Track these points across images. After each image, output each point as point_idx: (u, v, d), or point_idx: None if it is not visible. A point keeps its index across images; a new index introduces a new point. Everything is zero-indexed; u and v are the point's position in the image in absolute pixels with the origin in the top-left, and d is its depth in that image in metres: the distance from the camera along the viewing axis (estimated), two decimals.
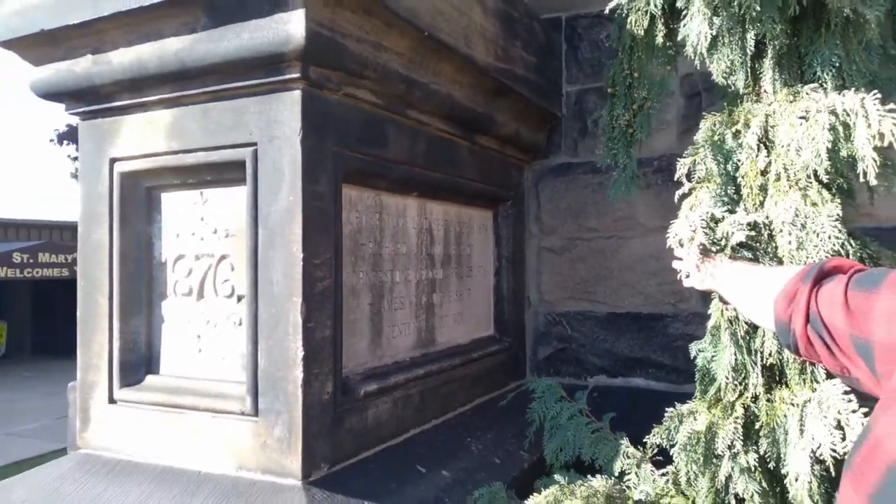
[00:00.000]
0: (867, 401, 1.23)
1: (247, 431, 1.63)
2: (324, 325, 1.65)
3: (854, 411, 1.26)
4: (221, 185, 1.77)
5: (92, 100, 1.88)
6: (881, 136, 1.17)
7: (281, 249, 1.60)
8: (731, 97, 1.64)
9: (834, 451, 1.25)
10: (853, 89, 1.43)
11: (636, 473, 1.73)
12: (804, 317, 1.08)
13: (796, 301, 1.10)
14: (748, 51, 1.52)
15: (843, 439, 1.27)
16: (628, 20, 1.71)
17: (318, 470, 1.62)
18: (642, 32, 1.69)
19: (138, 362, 1.85)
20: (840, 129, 1.27)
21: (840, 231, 1.27)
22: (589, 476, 1.63)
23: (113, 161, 1.88)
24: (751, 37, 1.50)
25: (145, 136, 1.83)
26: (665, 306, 2.75)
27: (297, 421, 1.57)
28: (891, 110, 1.19)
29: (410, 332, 2.19)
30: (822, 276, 1.09)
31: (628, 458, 1.77)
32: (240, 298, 1.72)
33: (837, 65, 1.48)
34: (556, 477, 1.60)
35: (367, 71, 1.72)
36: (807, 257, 1.32)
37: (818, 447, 1.28)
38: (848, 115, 1.24)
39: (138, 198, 1.88)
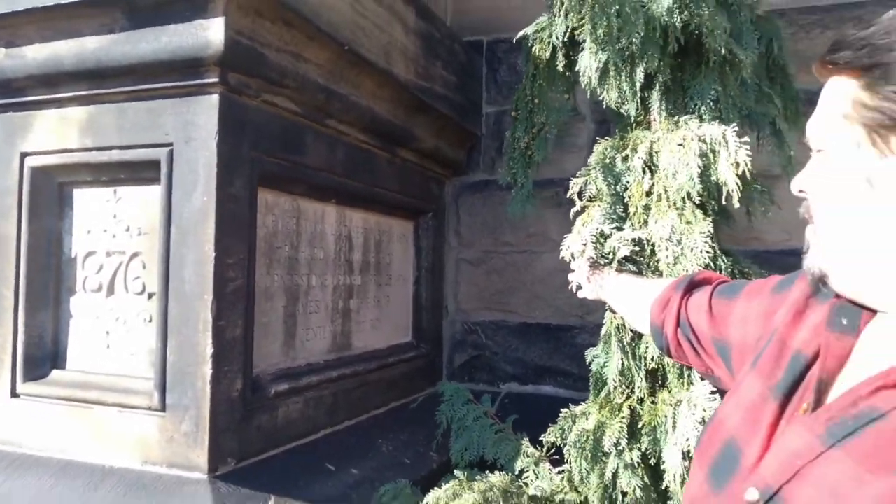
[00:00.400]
0: None
1: (153, 426, 1.64)
2: (235, 324, 1.68)
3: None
4: (135, 183, 1.79)
5: (4, 93, 1.87)
6: (737, 164, 1.32)
7: (193, 248, 1.63)
8: (624, 124, 1.79)
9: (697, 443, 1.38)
10: (728, 122, 1.60)
11: (534, 471, 1.84)
12: (675, 321, 1.20)
13: (669, 307, 1.22)
14: (637, 83, 1.67)
15: None
16: (532, 49, 1.84)
17: (225, 465, 1.65)
18: (544, 62, 1.82)
19: (43, 357, 1.83)
20: (710, 155, 1.42)
21: (711, 247, 1.42)
22: (488, 473, 1.72)
23: (24, 155, 1.87)
24: (640, 70, 1.65)
25: (59, 131, 1.83)
26: (572, 318, 2.90)
27: (204, 416, 1.60)
28: (745, 142, 1.34)
29: (326, 336, 2.24)
30: (692, 286, 1.22)
31: (528, 457, 1.88)
32: (150, 296, 1.74)
33: (715, 98, 1.64)
34: (457, 472, 1.68)
35: (286, 80, 1.78)
36: (683, 270, 1.46)
37: (686, 442, 1.41)
38: (714, 143, 1.39)
39: (49, 193, 1.87)
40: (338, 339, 2.31)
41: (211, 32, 1.55)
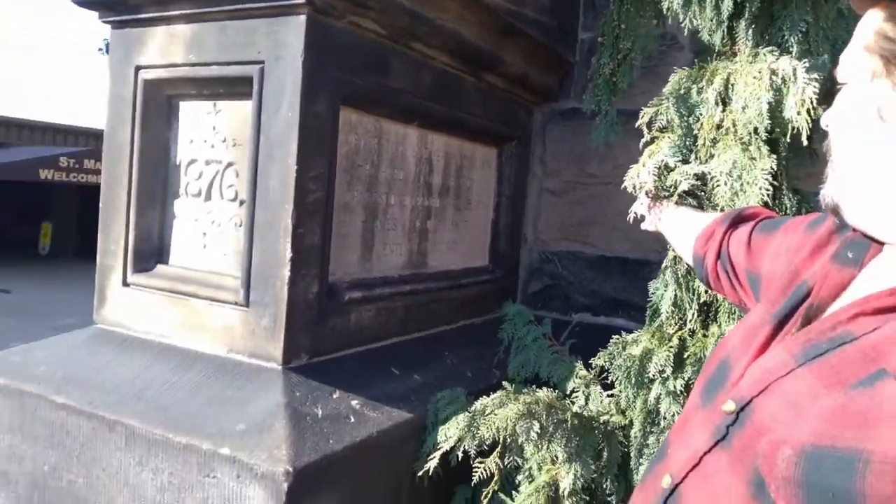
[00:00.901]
0: None
1: (238, 319, 1.84)
2: (313, 232, 1.83)
3: None
4: (233, 98, 1.93)
5: (121, 10, 2.05)
6: (804, 101, 1.28)
7: (278, 161, 1.77)
8: (709, 54, 1.74)
9: None
10: (818, 55, 1.53)
11: (584, 392, 1.92)
12: (716, 253, 1.23)
13: (713, 239, 1.25)
14: (724, 11, 1.62)
15: None
16: None
17: (299, 359, 1.84)
18: None
19: (150, 252, 2.07)
20: (782, 90, 1.38)
21: (771, 184, 1.39)
22: (536, 388, 1.82)
23: (138, 69, 2.06)
24: None
25: (168, 47, 1.99)
26: (652, 253, 2.88)
27: (281, 313, 1.77)
28: (814, 78, 1.29)
29: (402, 253, 2.37)
30: (739, 220, 1.24)
31: (579, 378, 1.96)
32: (242, 203, 1.91)
33: (804, 30, 1.56)
34: (504, 384, 1.79)
35: (370, 2, 1.85)
36: (741, 205, 1.45)
37: None
38: (784, 78, 1.35)
39: (159, 104, 2.06)
40: (413, 256, 2.43)
41: None
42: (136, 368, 1.89)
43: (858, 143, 0.75)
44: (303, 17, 1.73)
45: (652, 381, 1.64)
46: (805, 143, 1.37)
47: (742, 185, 1.43)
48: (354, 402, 1.80)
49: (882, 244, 0.75)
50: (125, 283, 2.06)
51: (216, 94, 1.97)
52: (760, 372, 0.75)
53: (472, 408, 1.75)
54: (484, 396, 1.75)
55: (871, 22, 0.73)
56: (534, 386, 1.83)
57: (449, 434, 1.76)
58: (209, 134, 2.00)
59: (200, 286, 1.92)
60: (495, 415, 1.65)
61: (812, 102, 1.29)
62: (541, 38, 2.68)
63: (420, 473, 1.76)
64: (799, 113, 1.32)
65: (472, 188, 2.79)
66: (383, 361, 2.09)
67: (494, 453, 1.70)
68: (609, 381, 1.95)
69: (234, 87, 1.90)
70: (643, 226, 1.63)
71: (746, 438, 0.71)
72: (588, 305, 3.04)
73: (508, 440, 1.65)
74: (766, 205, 1.43)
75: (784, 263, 0.99)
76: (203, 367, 1.83)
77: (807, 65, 1.36)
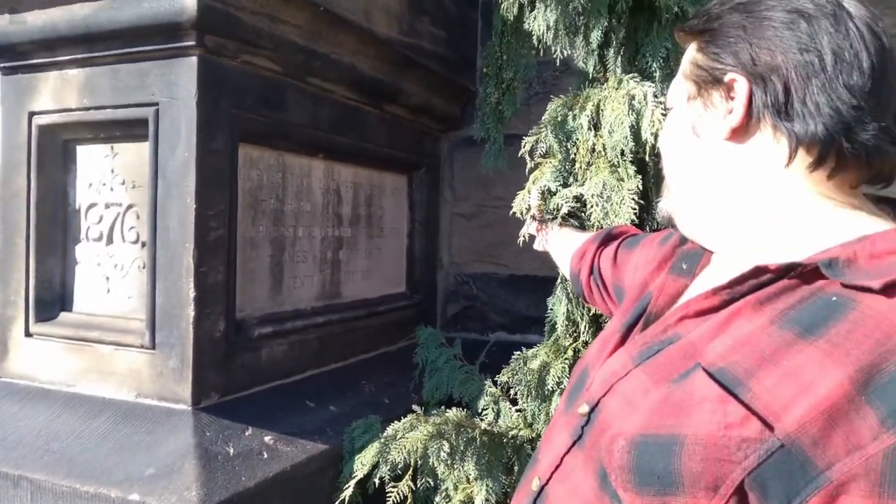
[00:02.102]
0: None
1: (145, 362, 1.83)
2: (216, 269, 1.84)
3: None
4: (129, 140, 1.93)
5: (11, 56, 2.02)
6: (652, 123, 1.41)
7: (177, 200, 1.78)
8: (583, 81, 1.86)
9: None
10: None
11: (493, 409, 1.98)
12: (589, 269, 1.33)
13: (586, 257, 1.34)
14: (592, 41, 1.73)
15: None
16: (501, 6, 1.91)
17: (209, 398, 1.83)
18: (512, 18, 1.89)
19: (53, 300, 2.03)
20: (641, 113, 1.50)
21: (637, 203, 1.51)
22: (443, 408, 1.87)
23: (31, 114, 2.03)
24: (598, 29, 1.70)
25: (61, 92, 1.98)
26: (558, 269, 3.01)
27: (188, 353, 1.77)
28: (661, 101, 1.42)
29: (314, 284, 2.39)
30: (609, 238, 1.34)
31: (489, 396, 2.02)
32: (143, 244, 1.90)
33: (665, 56, 1.70)
34: (415, 407, 1.83)
35: (263, 41, 1.90)
36: (613, 224, 1.55)
37: None
38: (641, 103, 1.47)
39: (55, 149, 2.03)
40: (326, 287, 2.46)
41: None
42: (42, 420, 1.84)
43: (680, 160, 0.85)
44: (194, 59, 1.76)
45: (552, 392, 1.72)
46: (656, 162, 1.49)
47: (612, 205, 1.53)
48: (267, 438, 1.81)
49: (711, 255, 0.85)
50: (28, 334, 2.01)
51: (113, 137, 1.97)
52: (606, 375, 0.82)
53: (384, 433, 1.79)
54: (395, 422, 1.79)
55: (689, 53, 0.83)
56: (443, 407, 1.89)
57: (364, 462, 1.79)
58: (108, 177, 1.99)
59: (105, 331, 1.90)
60: (406, 438, 1.69)
61: (660, 123, 1.41)
62: (440, 69, 2.79)
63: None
64: (652, 134, 1.44)
65: (385, 216, 2.85)
66: (298, 395, 2.11)
67: (406, 476, 1.74)
68: (515, 398, 2.03)
69: (131, 130, 1.90)
70: (534, 246, 1.73)
71: (594, 436, 0.78)
72: (503, 324, 3.13)
73: (420, 462, 1.69)
74: (634, 222, 1.54)
75: (642, 276, 1.09)
76: (111, 413, 1.80)
77: (656, 89, 1.48)
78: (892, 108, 0.70)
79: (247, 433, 1.79)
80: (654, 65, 1.70)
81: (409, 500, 1.74)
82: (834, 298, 0.61)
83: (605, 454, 0.72)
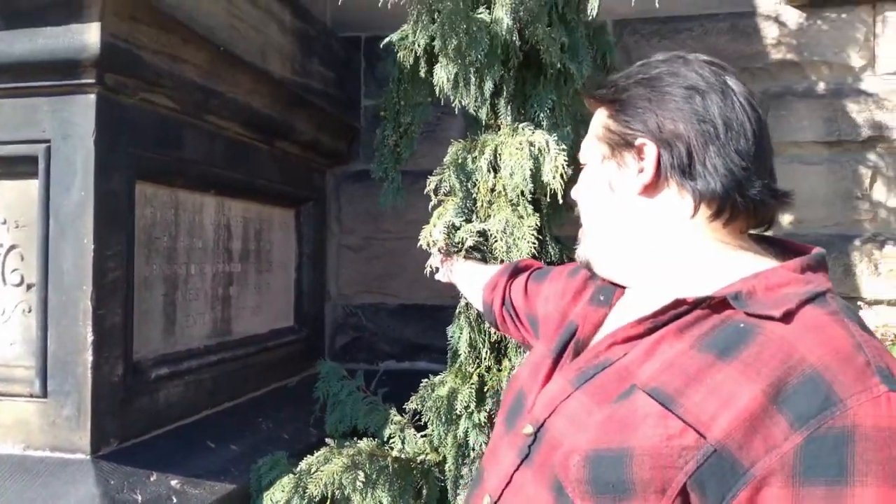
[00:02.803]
0: None
1: (35, 412, 1.72)
2: (114, 312, 1.78)
3: None
4: (12, 177, 1.82)
5: None
6: (556, 168, 1.59)
7: (72, 241, 1.72)
8: (478, 126, 2.02)
9: None
10: (563, 126, 1.87)
11: (399, 436, 2.06)
12: (501, 301, 1.45)
13: (497, 289, 1.47)
14: (486, 91, 1.90)
15: None
16: (398, 55, 2.03)
17: (108, 445, 1.76)
18: (408, 67, 2.02)
19: None
20: (539, 159, 1.68)
21: (537, 238, 1.68)
22: (357, 440, 1.93)
23: None
24: (489, 81, 1.87)
25: None
26: (447, 299, 3.13)
27: (86, 400, 1.70)
28: (563, 149, 1.61)
29: (206, 322, 2.35)
30: (516, 271, 1.47)
31: (394, 424, 2.10)
32: (29, 287, 1.80)
33: (551, 106, 1.90)
34: (328, 441, 1.87)
35: (163, 80, 1.88)
36: (515, 257, 1.71)
37: None
38: (540, 149, 1.65)
39: None
40: (218, 324, 2.42)
41: (87, 36, 1.63)
42: None
43: (597, 212, 0.99)
44: (92, 97, 1.71)
45: (459, 416, 1.83)
46: (561, 200, 1.67)
47: (514, 239, 1.69)
48: (174, 482, 1.76)
49: (624, 288, 0.99)
50: None
51: None
52: (548, 398, 0.93)
53: (298, 468, 1.81)
54: (308, 455, 1.81)
55: (600, 118, 0.97)
56: (355, 438, 1.93)
57: (276, 498, 1.80)
58: None
59: None
60: (321, 471, 1.73)
61: (564, 167, 1.60)
62: (329, 107, 2.86)
63: None
64: (554, 177, 1.62)
65: (273, 250, 2.84)
66: (197, 436, 2.06)
67: None
68: (422, 423, 2.12)
69: (13, 167, 1.80)
70: (437, 277, 1.84)
71: (544, 454, 0.88)
72: (392, 353, 3.21)
73: (336, 494, 1.73)
74: (534, 255, 1.70)
75: (553, 306, 1.22)
76: None
77: (556, 138, 1.67)
78: (769, 167, 0.88)
79: (152, 479, 1.74)
80: (542, 114, 1.89)
81: None
82: (742, 325, 0.76)
83: (559, 469, 0.81)
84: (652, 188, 0.89)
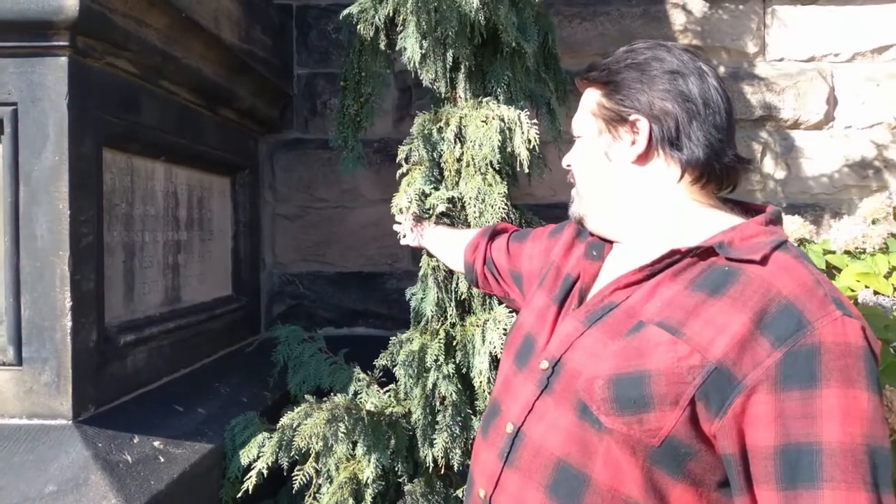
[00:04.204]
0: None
1: (10, 380, 1.70)
2: (88, 278, 1.78)
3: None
4: None
5: None
6: (529, 140, 1.75)
7: (46, 206, 1.69)
8: (436, 99, 2.14)
9: (502, 347, 1.82)
10: (517, 101, 2.03)
11: (366, 392, 2.18)
12: (482, 260, 1.60)
13: (478, 250, 1.62)
14: (447, 66, 2.02)
15: None
16: (358, 27, 2.11)
17: (87, 411, 1.76)
18: (369, 39, 2.10)
19: None
20: (507, 132, 1.83)
21: (506, 204, 1.84)
22: (331, 396, 2.03)
23: None
24: (450, 56, 2.00)
25: None
26: (383, 266, 3.26)
27: (66, 366, 1.69)
28: (534, 123, 1.78)
29: (159, 290, 2.34)
30: (495, 233, 1.63)
31: (360, 381, 2.21)
32: None
33: (507, 82, 2.05)
34: (307, 397, 1.96)
35: (129, 43, 1.86)
36: (486, 221, 1.87)
37: (494, 348, 1.85)
38: (511, 123, 1.81)
39: None
40: (169, 292, 2.42)
41: None
42: None
43: (594, 177, 1.16)
44: (64, 59, 1.68)
45: (429, 369, 1.98)
46: (527, 171, 1.84)
47: (485, 206, 1.85)
48: (157, 443, 1.80)
49: (612, 243, 1.17)
50: None
51: None
52: (562, 336, 1.07)
53: (280, 423, 1.89)
54: (289, 412, 1.90)
55: (592, 96, 1.13)
56: (327, 397, 2.03)
57: (257, 454, 1.88)
58: None
59: None
60: (305, 425, 1.82)
61: (535, 140, 1.76)
62: (267, 74, 2.87)
63: (239, 495, 1.84)
64: (525, 149, 1.78)
65: (213, 219, 2.84)
66: (164, 401, 2.08)
67: (310, 459, 1.86)
68: (383, 380, 2.25)
69: None
70: (404, 242, 1.96)
71: (564, 381, 1.03)
72: (331, 319, 3.30)
73: (319, 445, 1.83)
74: (503, 220, 1.87)
75: (539, 262, 1.39)
76: None
77: (526, 112, 1.83)
78: (734, 139, 1.08)
79: (135, 441, 1.76)
80: (499, 90, 2.04)
81: (314, 481, 1.87)
82: (726, 268, 0.96)
83: (584, 393, 0.97)
84: (643, 157, 1.07)
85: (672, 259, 1.00)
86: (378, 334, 3.23)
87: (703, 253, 0.99)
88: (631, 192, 1.11)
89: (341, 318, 3.28)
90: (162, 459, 1.74)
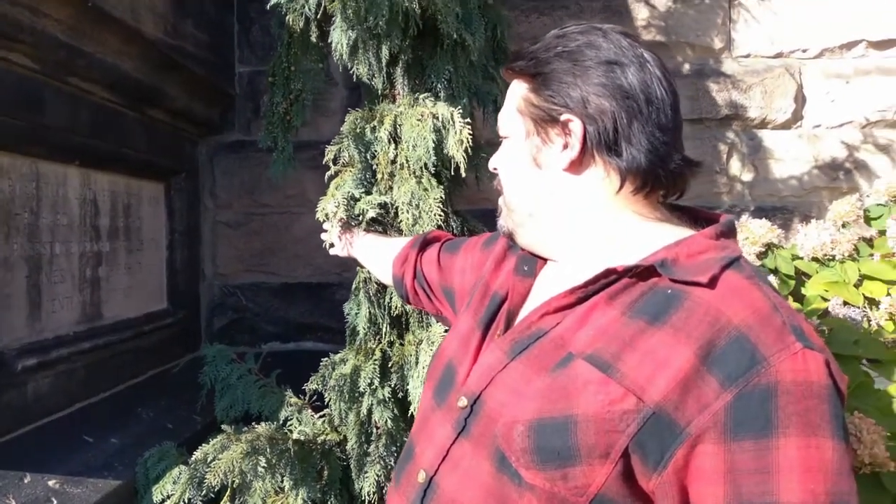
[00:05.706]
0: None
1: None
2: None
3: None
4: None
5: None
6: (462, 141, 1.59)
7: None
8: (373, 96, 1.97)
9: None
10: (459, 98, 1.86)
11: (297, 418, 2.00)
12: (412, 273, 1.42)
13: (408, 262, 1.44)
14: (383, 60, 1.85)
15: None
16: (287, 18, 1.92)
17: None
18: (299, 31, 1.91)
19: None
20: (442, 132, 1.67)
21: (443, 210, 1.67)
22: (255, 424, 1.84)
23: None
24: (385, 48, 1.82)
25: None
26: (332, 276, 3.08)
27: None
28: (468, 122, 1.61)
29: (74, 307, 2.14)
30: (426, 243, 1.45)
31: (291, 406, 2.03)
32: None
33: (448, 77, 1.88)
34: (224, 427, 1.77)
35: (22, 34, 1.67)
36: (420, 229, 1.69)
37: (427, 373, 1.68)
38: (445, 122, 1.64)
39: None
40: (87, 309, 2.22)
41: None
42: None
43: (522, 185, 0.98)
44: None
45: (363, 394, 1.80)
46: (464, 174, 1.67)
47: (420, 212, 1.68)
48: (52, 482, 1.60)
49: (545, 260, 1.00)
50: None
51: None
52: (483, 369, 0.92)
53: (193, 458, 1.70)
54: (203, 444, 1.71)
55: (520, 91, 0.94)
56: (253, 424, 1.85)
57: (166, 491, 1.69)
58: None
59: None
60: (219, 459, 1.64)
61: (468, 141, 1.59)
62: (202, 72, 2.67)
63: None
64: (458, 151, 1.61)
65: (143, 227, 2.64)
66: (72, 431, 1.88)
67: (225, 497, 1.68)
68: (318, 404, 2.07)
69: None
70: (332, 251, 1.78)
71: (483, 425, 0.87)
72: (276, 333, 3.10)
73: (236, 481, 1.65)
74: (440, 228, 1.70)
75: (471, 277, 1.22)
76: None
77: (460, 110, 1.66)
78: (681, 139, 0.92)
79: (26, 480, 1.57)
80: (439, 85, 1.87)
81: None
82: (669, 291, 0.79)
83: (502, 440, 0.80)
84: (577, 164, 0.88)
85: (608, 280, 0.83)
86: (327, 349, 3.00)
87: (644, 272, 0.82)
88: (563, 205, 0.92)
89: (287, 333, 3.09)
90: (55, 502, 1.54)
